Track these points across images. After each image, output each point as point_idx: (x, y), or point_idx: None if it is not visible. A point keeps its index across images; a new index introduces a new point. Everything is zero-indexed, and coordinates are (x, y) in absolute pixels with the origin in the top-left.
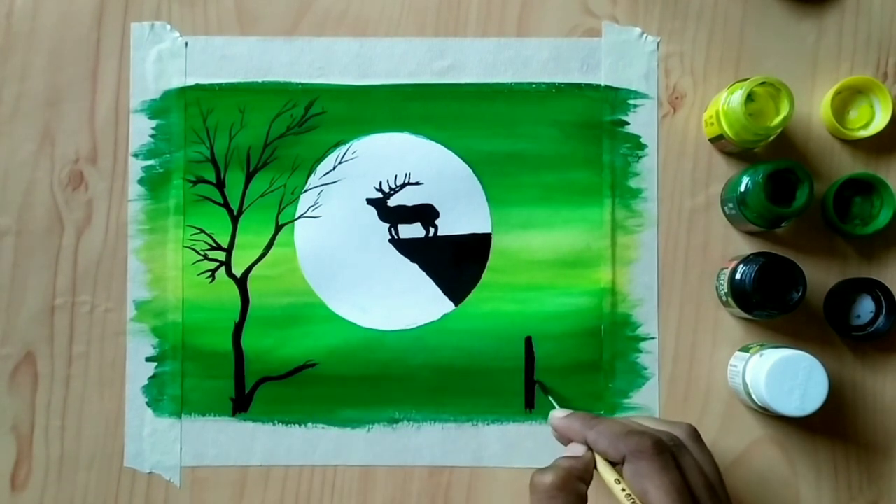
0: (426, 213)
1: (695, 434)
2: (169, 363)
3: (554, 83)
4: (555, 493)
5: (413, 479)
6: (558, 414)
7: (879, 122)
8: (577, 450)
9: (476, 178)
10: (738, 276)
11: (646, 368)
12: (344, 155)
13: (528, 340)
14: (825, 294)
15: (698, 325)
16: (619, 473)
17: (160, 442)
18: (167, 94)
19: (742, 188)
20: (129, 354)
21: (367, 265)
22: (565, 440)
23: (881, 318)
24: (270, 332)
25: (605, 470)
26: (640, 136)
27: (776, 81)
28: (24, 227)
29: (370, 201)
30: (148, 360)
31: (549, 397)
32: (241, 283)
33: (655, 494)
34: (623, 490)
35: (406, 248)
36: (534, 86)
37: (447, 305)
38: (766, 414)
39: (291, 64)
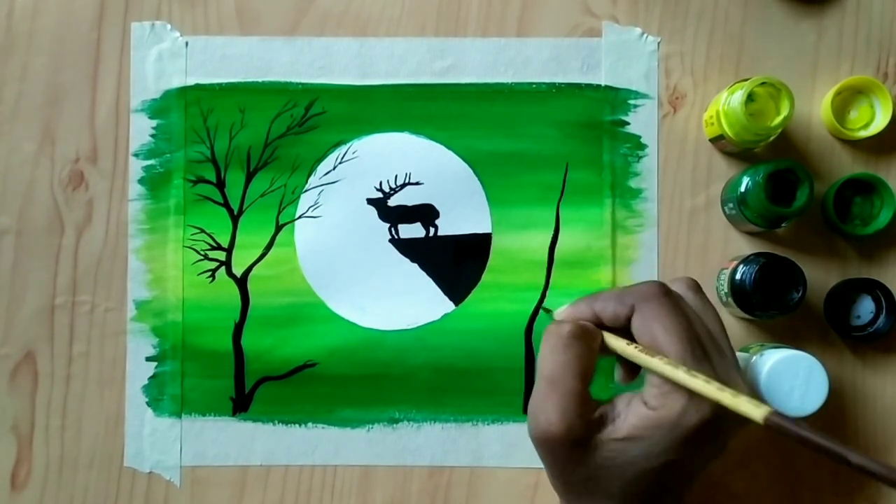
0: (426, 213)
1: (696, 287)
2: (169, 363)
3: (554, 83)
4: (570, 341)
5: (413, 479)
6: (561, 308)
7: (880, 123)
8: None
9: (476, 178)
10: (738, 276)
11: None
12: (344, 155)
13: (529, 340)
14: (825, 294)
15: None
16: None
17: (160, 442)
18: (167, 94)
19: (742, 188)
20: (129, 354)
21: (368, 265)
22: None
23: (881, 319)
24: (270, 331)
25: (611, 339)
26: (640, 136)
27: (776, 81)
28: (24, 227)
29: (370, 201)
30: (148, 359)
31: (548, 314)
32: (242, 282)
33: (665, 338)
34: (635, 347)
35: (406, 248)
36: (534, 86)
37: (447, 305)
38: None
39: (292, 64)
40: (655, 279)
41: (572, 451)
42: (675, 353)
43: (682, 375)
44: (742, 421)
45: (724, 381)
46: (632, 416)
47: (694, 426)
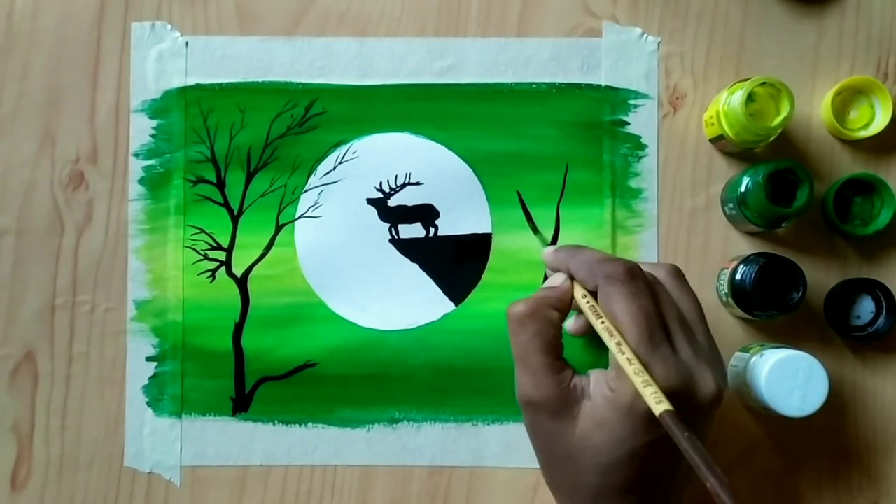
0: (426, 213)
1: (676, 272)
2: (169, 363)
3: (554, 83)
4: (525, 321)
5: (413, 479)
6: (549, 249)
7: (880, 123)
8: (555, 281)
9: (476, 178)
10: (738, 276)
11: None
12: (344, 155)
13: None
14: (825, 294)
15: None
16: (594, 299)
17: (160, 442)
18: (167, 94)
19: (742, 188)
20: (129, 354)
21: (368, 265)
22: (553, 272)
23: (881, 319)
24: (270, 331)
25: (576, 289)
26: (640, 137)
27: (776, 82)
28: (24, 227)
29: (370, 201)
30: (148, 359)
31: (538, 236)
32: (242, 282)
33: (623, 317)
34: (588, 302)
35: (406, 248)
36: (534, 86)
37: (447, 305)
38: (766, 414)
39: (292, 64)
40: (626, 262)
41: (553, 420)
42: (629, 335)
43: (614, 352)
44: (707, 408)
45: (686, 366)
46: (596, 395)
47: (646, 410)
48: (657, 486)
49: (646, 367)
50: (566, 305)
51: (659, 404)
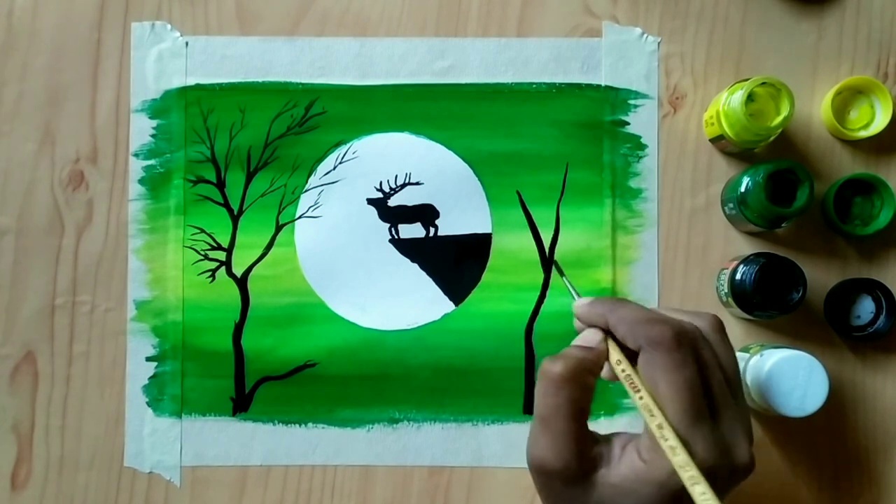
0: (426, 213)
1: (719, 325)
2: (169, 363)
3: (554, 83)
4: (561, 384)
5: (413, 479)
6: (583, 301)
7: (880, 123)
8: (589, 338)
9: (476, 178)
10: (738, 276)
11: None
12: (344, 155)
13: (529, 340)
14: (825, 294)
15: None
16: (634, 362)
17: (160, 442)
18: (168, 94)
19: (742, 188)
20: (129, 354)
21: (368, 265)
22: (586, 326)
23: (881, 319)
24: (270, 331)
25: (613, 350)
26: (640, 137)
27: (776, 82)
28: (24, 227)
29: (370, 201)
30: (148, 359)
31: (565, 279)
32: (242, 282)
33: (666, 390)
34: (624, 371)
35: (406, 248)
36: (534, 86)
37: (447, 305)
38: (766, 414)
39: (292, 64)
40: (675, 318)
41: (567, 486)
42: (672, 410)
43: (654, 429)
44: (736, 480)
45: (726, 440)
46: (624, 464)
47: (681, 488)
48: None
49: (686, 443)
50: (601, 369)
51: (695, 486)
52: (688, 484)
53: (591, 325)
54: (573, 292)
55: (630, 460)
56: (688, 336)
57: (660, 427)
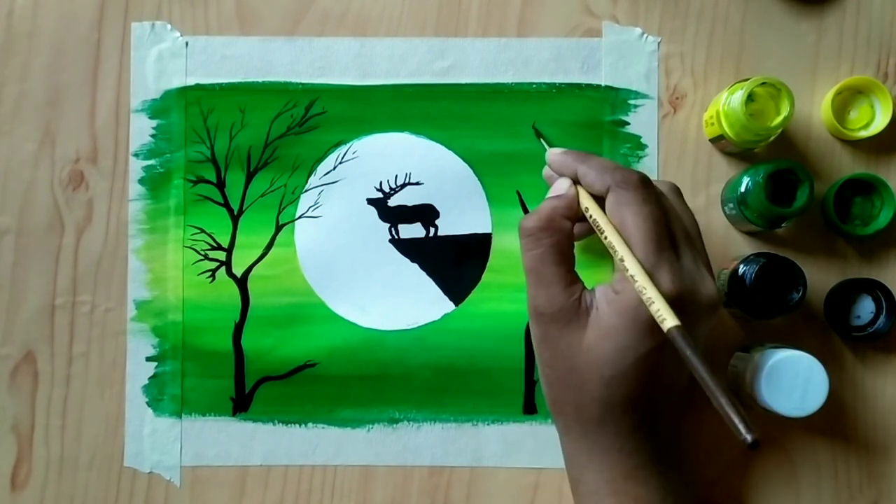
0: (426, 213)
1: (677, 190)
2: (169, 363)
3: (554, 83)
4: (540, 234)
5: (413, 479)
6: (556, 150)
7: (880, 123)
8: (559, 187)
9: (476, 178)
10: (738, 276)
11: None
12: (344, 155)
13: (529, 338)
14: (825, 294)
15: None
16: (602, 206)
17: (160, 442)
18: (167, 94)
19: (742, 188)
20: (129, 354)
21: (368, 265)
22: (557, 175)
23: (881, 319)
24: (270, 331)
25: (583, 196)
26: (640, 137)
27: (777, 82)
28: (24, 227)
29: (370, 201)
30: (148, 359)
31: (542, 140)
32: (242, 282)
33: (632, 221)
34: (590, 216)
35: (406, 248)
36: (534, 86)
37: (447, 305)
38: (766, 414)
39: (292, 64)
40: (638, 172)
41: (561, 330)
42: (637, 242)
43: (618, 259)
44: (708, 311)
45: (689, 272)
46: (601, 302)
47: (650, 315)
48: (657, 405)
49: (651, 273)
50: (575, 213)
51: (666, 321)
52: (647, 306)
53: (560, 174)
54: (545, 145)
55: (604, 296)
56: (651, 182)
57: (622, 260)
